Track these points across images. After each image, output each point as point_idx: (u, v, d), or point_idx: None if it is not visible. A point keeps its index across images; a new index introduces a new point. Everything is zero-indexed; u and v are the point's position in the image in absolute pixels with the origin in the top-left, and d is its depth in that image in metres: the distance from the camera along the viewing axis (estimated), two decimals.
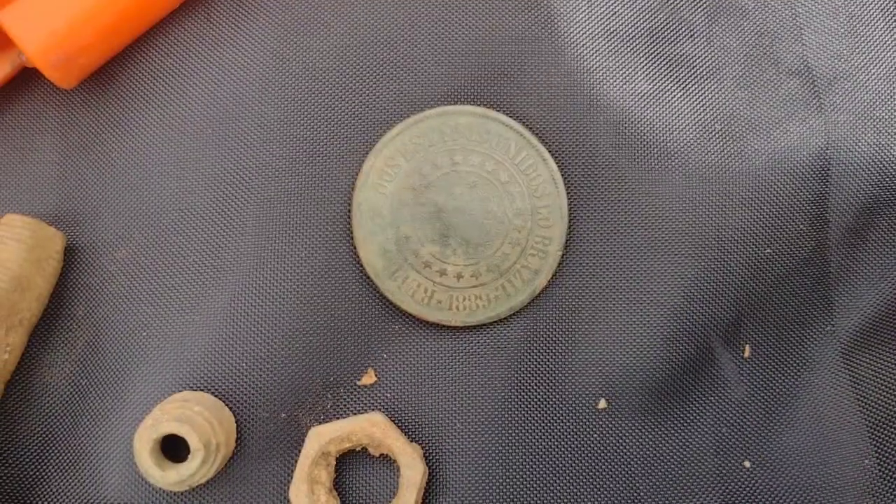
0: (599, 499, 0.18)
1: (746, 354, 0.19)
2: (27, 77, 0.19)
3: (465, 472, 0.18)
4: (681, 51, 0.19)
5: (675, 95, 0.19)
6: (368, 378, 0.19)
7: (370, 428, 0.18)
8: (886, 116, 0.19)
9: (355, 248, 0.19)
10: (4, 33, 0.18)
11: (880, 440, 0.19)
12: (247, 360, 0.18)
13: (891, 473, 0.18)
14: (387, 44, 0.19)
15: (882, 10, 0.20)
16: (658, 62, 0.19)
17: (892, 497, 0.18)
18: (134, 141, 0.19)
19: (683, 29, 0.20)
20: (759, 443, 0.19)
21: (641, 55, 0.19)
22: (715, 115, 0.19)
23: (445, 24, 0.19)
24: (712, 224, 0.19)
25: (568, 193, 0.19)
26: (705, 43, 0.20)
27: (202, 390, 0.18)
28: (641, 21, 0.19)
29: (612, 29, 0.19)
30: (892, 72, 0.20)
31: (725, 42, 0.20)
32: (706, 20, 0.20)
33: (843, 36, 0.20)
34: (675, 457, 0.19)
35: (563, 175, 0.19)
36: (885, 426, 0.19)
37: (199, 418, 0.17)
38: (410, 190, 0.18)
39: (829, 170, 0.19)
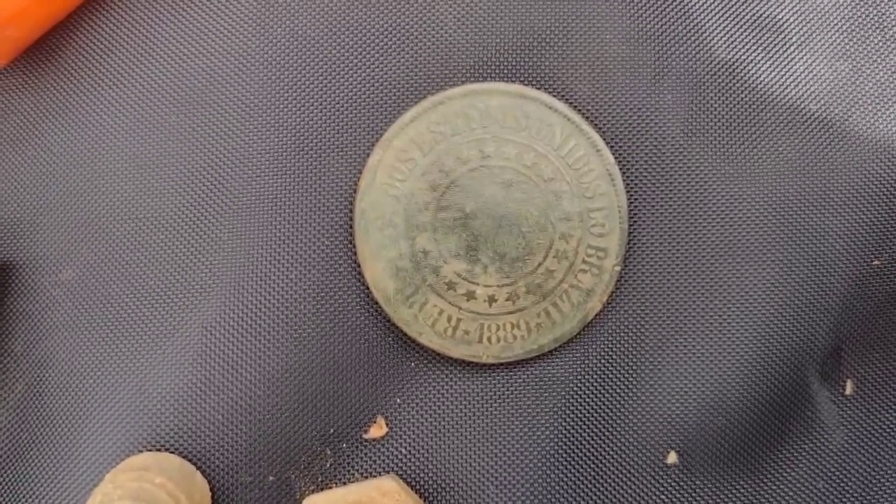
0: None
1: (848, 392, 0.15)
2: None
3: None
4: (767, 11, 0.15)
5: (760, 67, 0.15)
6: (377, 430, 0.15)
7: (380, 498, 0.14)
8: None
9: (359, 265, 0.15)
10: None
11: None
12: (224, 409, 0.14)
13: None
14: (398, 7, 0.15)
15: None
16: (740, 25, 0.15)
17: None
18: (81, 132, 0.15)
19: None
20: (862, 499, 0.15)
21: (720, 16, 0.15)
22: (809, 91, 0.15)
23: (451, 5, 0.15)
24: (807, 229, 0.15)
25: (627, 192, 0.15)
26: (799, 3, 0.16)
27: (167, 451, 0.14)
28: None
29: None
30: None
31: (821, 2, 0.16)
32: None
33: None
34: None
35: (620, 169, 0.15)
36: None
37: (162, 493, 0.13)
38: (429, 191, 0.15)
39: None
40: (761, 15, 0.16)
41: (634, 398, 0.15)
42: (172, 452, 0.14)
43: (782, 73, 0.15)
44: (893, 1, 0.16)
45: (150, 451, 0.14)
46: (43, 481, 0.15)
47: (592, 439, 0.15)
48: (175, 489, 0.13)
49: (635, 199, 0.15)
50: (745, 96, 0.15)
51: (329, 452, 0.15)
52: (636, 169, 0.15)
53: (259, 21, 0.15)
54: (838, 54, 0.16)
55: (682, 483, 0.15)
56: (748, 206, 0.15)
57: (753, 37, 0.15)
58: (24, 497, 0.15)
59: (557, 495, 0.15)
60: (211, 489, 0.14)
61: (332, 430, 0.15)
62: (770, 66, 0.15)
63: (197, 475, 0.14)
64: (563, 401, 0.15)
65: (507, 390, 0.15)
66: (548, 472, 0.15)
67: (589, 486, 0.15)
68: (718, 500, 0.15)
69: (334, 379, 0.15)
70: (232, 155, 0.15)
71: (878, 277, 0.15)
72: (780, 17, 0.16)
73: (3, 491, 0.15)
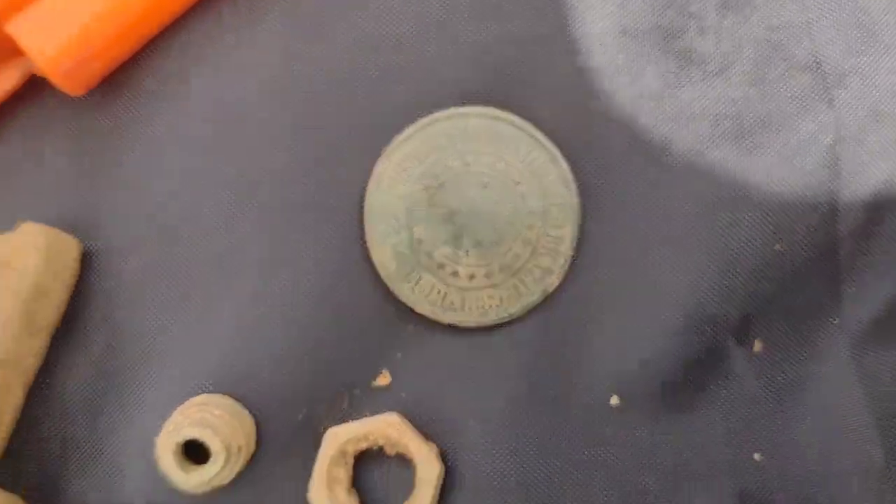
0: (611, 492, 0.19)
1: (756, 349, 0.20)
2: (37, 83, 0.19)
3: (480, 469, 0.19)
4: (692, 46, 0.19)
5: (686, 93, 0.19)
6: (383, 379, 0.19)
7: (386, 428, 0.18)
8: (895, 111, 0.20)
9: (368, 251, 0.19)
10: (13, 42, 0.18)
11: (887, 430, 0.19)
12: (263, 363, 0.19)
13: None
14: (395, 46, 0.19)
15: (892, 1, 0.20)
16: (669, 59, 0.19)
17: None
18: (143, 146, 0.19)
19: (694, 24, 0.19)
20: (769, 436, 0.19)
21: (653, 52, 0.19)
22: (726, 112, 0.19)
23: (454, 26, 0.19)
24: (723, 221, 0.19)
25: (579, 193, 0.19)
26: (715, 39, 0.19)
27: (222, 393, 0.18)
28: (652, 17, 0.19)
29: (623, 26, 0.19)
30: None
31: (736, 37, 0.20)
32: (716, 15, 0.20)
33: (853, 28, 0.20)
34: (685, 450, 0.19)
35: (574, 175, 0.19)
36: (892, 416, 0.19)
37: (220, 422, 0.17)
38: (423, 192, 0.19)
39: (839, 166, 0.19)
40: (687, 50, 0.19)
41: (584, 353, 0.19)
42: (225, 395, 0.18)
43: (703, 97, 0.19)
44: (797, 37, 0.20)
45: (207, 393, 0.18)
46: (119, 421, 0.19)
47: (551, 386, 0.19)
48: (230, 419, 0.17)
49: (586, 199, 0.19)
50: (674, 116, 0.19)
51: (346, 396, 0.19)
52: (587, 175, 0.19)
53: (285, 60, 0.19)
54: (749, 81, 0.19)
55: (622, 420, 0.19)
56: (676, 203, 0.19)
57: (680, 69, 0.19)
58: (104, 434, 0.19)
59: (524, 427, 0.19)
60: (255, 424, 0.18)
61: (347, 380, 0.19)
62: (693, 93, 0.19)
63: (244, 412, 0.18)
64: (528, 356, 0.19)
65: (484, 348, 0.19)
66: (516, 410, 0.19)
67: (548, 421, 0.19)
68: (651, 434, 0.19)
69: (349, 339, 0.19)
70: (264, 165, 0.19)
71: (779, 258, 0.19)
72: (702, 51, 0.19)
73: (86, 430, 0.19)
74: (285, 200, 0.19)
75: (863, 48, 0.20)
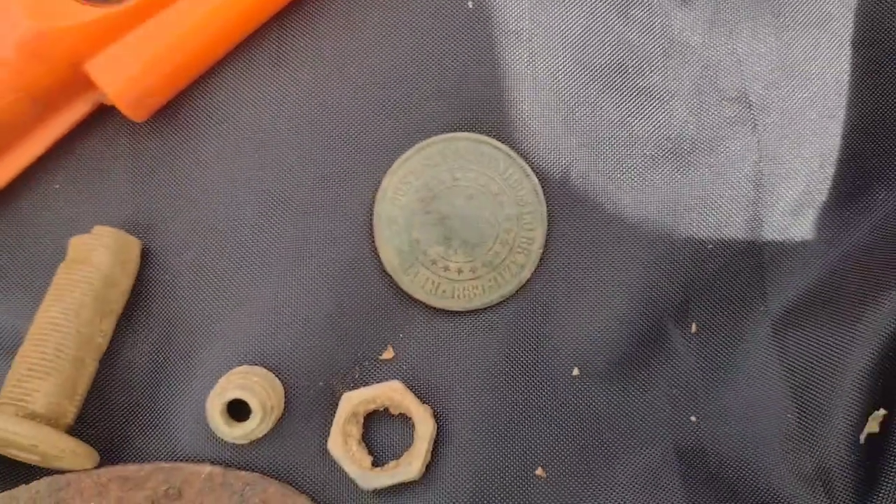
0: (574, 445, 0.23)
1: (693, 331, 0.24)
2: (105, 111, 0.24)
3: (466, 427, 0.23)
4: (640, 82, 0.24)
5: (636, 119, 0.23)
6: (388, 354, 0.23)
7: (390, 393, 0.22)
8: (808, 134, 0.24)
9: (376, 249, 0.23)
10: (88, 78, 0.22)
11: (800, 399, 0.23)
12: (290, 340, 0.23)
13: (807, 426, 0.23)
14: (398, 85, 0.23)
15: (805, 46, 0.24)
16: (623, 91, 0.23)
17: (808, 444, 0.23)
18: (192, 164, 0.24)
19: (644, 63, 0.24)
20: (703, 402, 0.24)
21: (608, 86, 0.23)
22: (668, 135, 0.24)
23: (444, 68, 0.23)
24: (665, 225, 0.23)
25: (547, 202, 0.23)
26: (661, 75, 0.24)
27: (257, 365, 0.23)
28: (608, 56, 0.24)
29: (583, 62, 0.23)
30: (813, 97, 0.24)
31: (678, 74, 0.24)
32: (662, 55, 0.24)
33: (775, 68, 0.24)
34: (635, 413, 0.23)
35: (543, 187, 0.23)
36: (804, 388, 0.23)
37: (257, 387, 0.21)
38: (420, 202, 0.23)
39: (761, 179, 0.24)
40: (637, 84, 0.24)
41: (551, 334, 0.23)
42: (260, 366, 0.22)
43: (649, 124, 0.23)
44: (728, 74, 0.24)
45: (247, 364, 0.22)
46: (174, 388, 0.23)
47: (523, 359, 0.23)
48: (265, 385, 0.22)
49: (552, 207, 0.23)
50: (625, 140, 0.23)
51: (357, 368, 0.23)
52: (553, 187, 0.23)
53: (308, 95, 0.23)
54: (688, 110, 0.24)
55: (582, 388, 0.23)
56: (627, 211, 0.23)
57: (631, 99, 0.23)
58: (162, 399, 0.23)
59: (501, 393, 0.23)
60: (284, 389, 0.23)
61: (359, 354, 0.23)
62: (642, 120, 0.23)
63: (276, 380, 0.22)
64: (505, 335, 0.23)
65: (470, 328, 0.23)
66: (495, 380, 0.23)
67: (521, 387, 0.23)
68: (607, 399, 0.23)
69: (360, 321, 0.23)
70: (293, 180, 0.23)
71: (711, 256, 0.23)
72: (649, 85, 0.24)
73: (147, 397, 0.23)
74: (309, 208, 0.23)
75: (781, 83, 0.24)
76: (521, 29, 0.23)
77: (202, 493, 0.22)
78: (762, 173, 0.24)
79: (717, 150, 0.24)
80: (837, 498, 0.22)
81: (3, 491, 0.22)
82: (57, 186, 0.24)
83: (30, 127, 0.23)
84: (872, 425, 0.22)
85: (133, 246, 0.23)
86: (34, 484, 0.22)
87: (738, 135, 0.24)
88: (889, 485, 0.22)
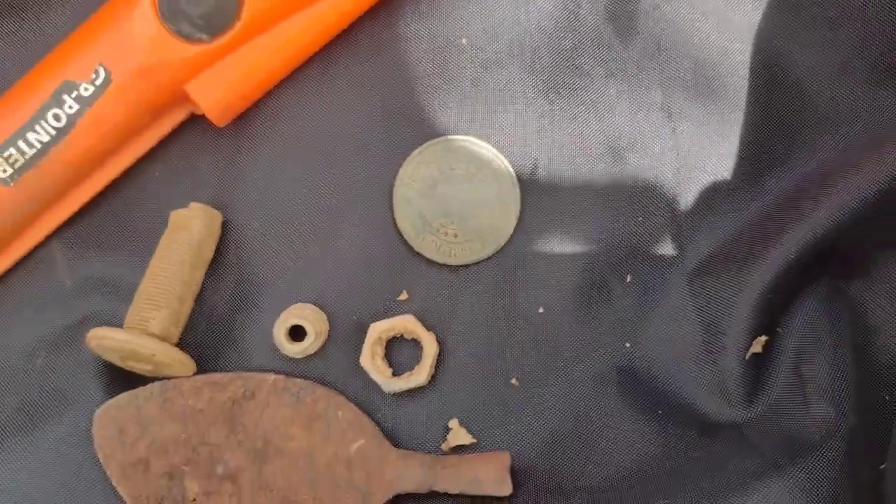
0: (539, 363, 0.31)
1: (628, 280, 0.32)
2: (195, 117, 0.32)
3: (460, 348, 0.31)
4: (588, 97, 0.32)
5: (586, 126, 0.31)
6: (403, 296, 0.31)
7: (405, 323, 0.30)
8: (715, 137, 0.32)
9: (395, 221, 0.31)
10: (187, 95, 0.31)
11: (705, 330, 0.31)
12: (333, 286, 0.31)
13: (710, 349, 0.30)
14: (411, 101, 0.31)
15: (713, 70, 0.32)
16: (575, 105, 0.32)
17: (710, 363, 0.31)
18: (262, 159, 0.31)
19: (588, 83, 0.32)
20: (635, 332, 0.31)
21: (565, 100, 0.31)
22: (610, 136, 0.31)
23: (444, 89, 0.31)
24: (608, 205, 0.31)
25: (521, 187, 0.31)
26: (603, 91, 0.32)
27: (309, 303, 0.31)
28: (565, 79, 0.32)
29: (547, 86, 0.31)
30: (720, 108, 0.32)
31: (616, 91, 0.32)
32: (604, 76, 0.32)
33: (692, 84, 0.32)
34: (584, 340, 0.31)
35: (517, 175, 0.31)
36: (708, 322, 0.31)
37: (310, 317, 0.30)
38: (427, 186, 0.31)
39: (679, 171, 0.32)
40: (587, 98, 0.32)
41: (522, 282, 0.31)
42: (312, 304, 0.31)
43: (597, 129, 0.31)
44: (654, 89, 0.32)
45: (302, 303, 0.31)
46: (247, 321, 0.31)
47: (502, 300, 0.31)
48: (317, 317, 0.30)
49: (524, 190, 0.31)
50: (578, 140, 0.31)
51: (381, 307, 0.31)
52: (525, 175, 0.31)
53: (348, 110, 0.31)
54: (625, 118, 0.32)
55: (547, 322, 0.31)
56: (580, 194, 0.31)
57: (584, 110, 0.31)
58: (238, 329, 0.31)
59: (488, 326, 0.31)
60: (329, 321, 0.31)
61: (382, 297, 0.31)
62: (590, 125, 0.31)
63: (323, 314, 0.31)
64: (489, 284, 0.31)
65: (464, 279, 0.31)
66: (482, 316, 0.31)
67: (501, 322, 0.31)
68: (564, 330, 0.31)
69: (384, 274, 0.31)
70: (338, 170, 0.31)
71: (641, 227, 0.31)
72: (597, 99, 0.32)
73: (226, 328, 0.31)
74: (348, 190, 0.31)
75: (696, 96, 0.32)
76: (501, 60, 0.31)
77: (269, 395, 0.30)
78: (680, 165, 0.32)
79: (647, 149, 0.32)
80: (733, 403, 0.30)
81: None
82: (157, 174, 0.31)
83: (141, 130, 0.31)
84: (756, 347, 0.30)
85: (216, 217, 0.31)
86: (149, 385, 0.30)
87: (661, 137, 0.32)
88: (769, 390, 0.30)
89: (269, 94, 0.31)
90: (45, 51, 0.30)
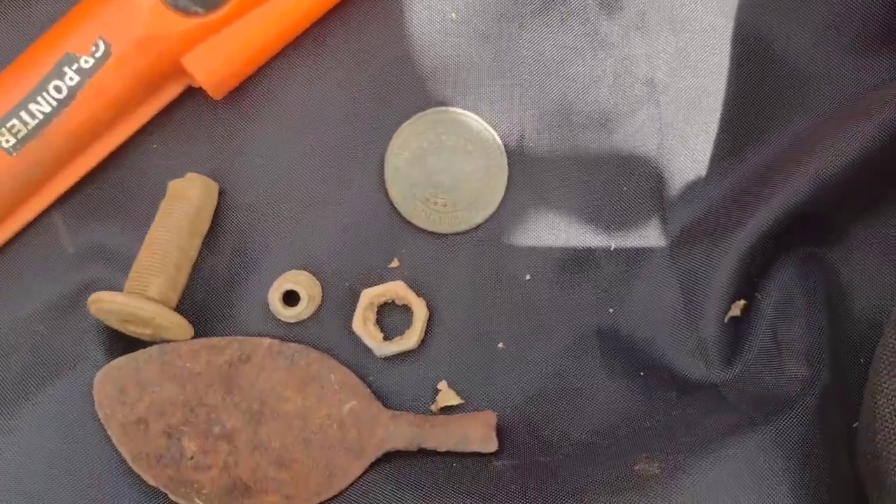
0: (525, 326, 0.32)
1: (612, 248, 0.33)
2: (191, 90, 0.33)
3: (449, 314, 0.32)
4: (573, 70, 0.33)
5: (571, 97, 0.32)
6: (395, 263, 0.32)
7: (396, 289, 0.31)
8: (697, 109, 0.33)
9: (386, 190, 0.32)
10: (183, 68, 0.32)
11: (685, 295, 0.32)
12: (326, 253, 0.32)
13: (690, 313, 0.32)
14: (403, 73, 0.32)
15: (696, 46, 0.33)
16: (561, 78, 0.32)
17: (690, 326, 0.32)
18: (254, 129, 0.32)
19: (577, 57, 0.33)
20: (618, 298, 0.32)
21: (551, 74, 0.32)
22: (596, 109, 0.32)
23: (434, 63, 0.32)
24: (592, 174, 0.32)
25: (508, 157, 0.32)
26: (591, 65, 0.33)
27: (303, 269, 0.32)
28: (553, 54, 0.33)
29: (534, 60, 0.32)
30: (701, 83, 0.33)
31: (603, 64, 0.33)
32: (590, 50, 0.33)
33: (674, 57, 0.33)
34: (569, 305, 0.32)
35: (505, 146, 0.32)
36: (688, 287, 0.32)
37: (304, 283, 0.31)
38: (417, 157, 0.32)
39: (662, 141, 0.33)
40: (573, 73, 0.33)
41: (510, 250, 0.32)
42: (305, 270, 0.32)
43: (582, 101, 0.32)
44: (641, 63, 0.33)
45: (296, 270, 0.32)
46: (243, 287, 0.32)
47: (490, 267, 0.32)
48: (310, 283, 0.31)
49: (511, 161, 0.32)
50: (563, 112, 0.32)
51: (373, 273, 0.32)
52: (512, 146, 0.32)
53: (342, 84, 0.32)
54: (610, 90, 0.33)
55: (532, 288, 0.32)
56: (564, 164, 0.32)
57: (564, 89, 0.32)
58: (235, 295, 0.32)
59: (476, 292, 0.32)
60: (322, 287, 0.32)
61: (374, 263, 0.32)
62: (576, 97, 0.32)
63: (316, 280, 0.32)
64: (477, 251, 0.32)
65: (452, 246, 0.32)
66: (470, 282, 0.32)
67: (489, 289, 0.32)
68: (549, 296, 0.32)
69: (376, 240, 0.32)
70: (332, 141, 0.32)
71: (625, 197, 0.32)
72: (583, 71, 0.33)
73: (224, 294, 0.32)
74: (340, 161, 0.32)
75: (678, 70, 0.33)
76: (490, 33, 0.32)
77: (265, 358, 0.31)
78: (663, 136, 0.33)
79: (630, 120, 0.32)
80: (712, 364, 0.32)
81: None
82: (155, 146, 0.32)
83: (139, 102, 0.32)
84: (735, 311, 0.32)
85: (213, 187, 0.32)
86: (149, 348, 0.31)
87: (645, 109, 0.33)
88: (747, 351, 0.31)
89: (263, 68, 0.32)
90: (40, 28, 0.31)
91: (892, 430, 0.26)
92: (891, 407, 0.27)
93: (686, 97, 0.33)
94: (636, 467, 0.27)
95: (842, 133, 0.31)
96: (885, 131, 0.30)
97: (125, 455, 0.30)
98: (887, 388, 0.27)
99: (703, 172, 0.33)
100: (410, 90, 0.32)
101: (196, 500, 0.29)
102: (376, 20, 0.32)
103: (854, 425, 0.30)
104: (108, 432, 0.30)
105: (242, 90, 0.32)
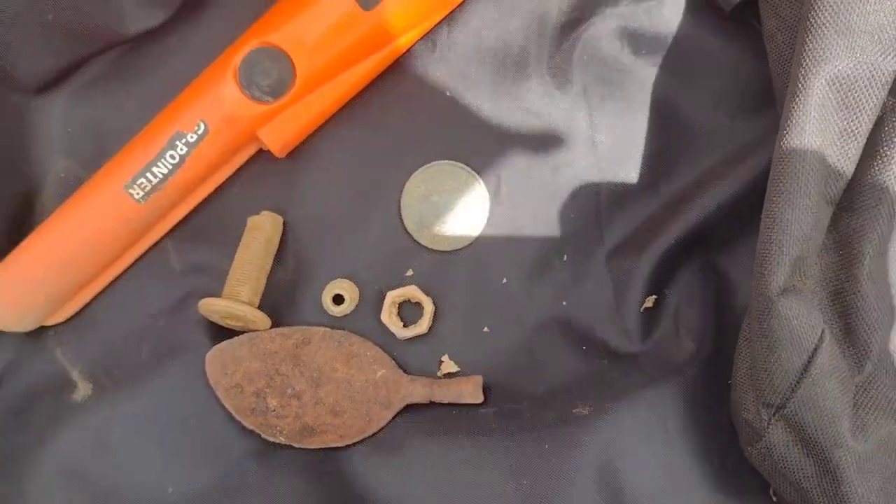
0: (503, 317, 0.45)
1: (564, 259, 0.46)
2: (263, 151, 0.45)
3: (449, 308, 0.45)
4: (536, 132, 0.45)
5: (534, 148, 0.45)
6: (410, 272, 0.45)
7: (411, 291, 0.44)
8: (627, 147, 0.45)
9: (402, 221, 0.45)
10: (258, 138, 0.44)
11: (616, 291, 0.45)
12: (360, 266, 0.44)
13: (617, 303, 0.45)
14: (412, 136, 0.45)
15: (628, 110, 0.45)
16: (523, 134, 0.45)
17: (618, 314, 0.45)
18: (310, 176, 0.45)
19: (532, 117, 0.45)
20: (569, 295, 0.45)
21: (518, 140, 0.45)
22: (549, 161, 0.45)
23: (434, 131, 0.45)
24: (551, 204, 0.45)
25: (489, 196, 0.45)
26: (546, 128, 0.45)
27: (345, 278, 0.45)
28: (514, 114, 0.45)
29: (508, 130, 0.45)
30: (630, 138, 0.45)
31: (556, 126, 0.45)
32: (547, 116, 0.45)
33: (608, 119, 0.45)
34: (535, 301, 0.45)
35: (486, 188, 0.45)
36: (618, 285, 0.45)
37: (347, 287, 0.44)
38: (423, 196, 0.45)
39: (601, 181, 0.45)
40: (538, 129, 0.45)
41: (490, 262, 0.44)
42: (348, 279, 0.45)
43: (539, 154, 0.45)
44: (581, 126, 0.46)
45: (341, 279, 0.45)
46: (302, 292, 0.45)
47: (476, 275, 0.45)
48: (351, 288, 0.44)
49: (492, 198, 0.45)
50: (526, 162, 0.45)
51: (394, 281, 0.45)
52: (491, 188, 0.45)
53: (370, 139, 0.45)
54: (560, 145, 0.45)
55: (507, 290, 0.45)
56: (531, 199, 0.45)
57: (533, 144, 0.45)
58: (298, 298, 0.45)
59: (466, 290, 0.45)
60: (358, 289, 0.45)
61: (395, 273, 0.45)
62: (536, 153, 0.45)
63: (354, 285, 0.45)
64: (468, 264, 0.45)
65: (450, 260, 0.44)
66: (462, 285, 0.45)
67: (476, 290, 0.45)
68: (521, 294, 0.45)
69: (395, 256, 0.44)
70: (365, 188, 0.45)
71: (573, 219, 0.45)
72: (542, 131, 0.45)
73: (288, 298, 0.45)
74: (369, 200, 0.43)
75: (611, 130, 0.45)
76: (475, 107, 0.45)
77: (320, 341, 0.44)
78: (601, 177, 0.45)
79: (577, 166, 0.45)
80: (632, 341, 0.43)
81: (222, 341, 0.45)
82: (236, 191, 0.45)
83: (226, 162, 0.45)
84: (648, 303, 0.44)
85: (279, 220, 0.45)
86: (240, 336, 0.44)
87: (587, 158, 0.45)
88: (656, 332, 0.44)
89: (313, 134, 0.45)
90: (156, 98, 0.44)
91: (744, 383, 0.40)
92: (744, 367, 0.40)
93: (617, 149, 0.45)
94: (574, 410, 0.40)
95: (727, 175, 0.43)
96: (755, 173, 0.43)
97: (230, 409, 0.43)
98: (743, 354, 0.40)
99: (629, 203, 0.45)
100: (418, 149, 0.44)
101: (279, 437, 0.43)
102: (391, 101, 0.45)
103: (729, 382, 0.43)
104: (217, 394, 0.43)
105: (297, 150, 0.45)
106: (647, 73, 0.43)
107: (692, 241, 0.43)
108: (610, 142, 0.44)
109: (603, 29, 0.43)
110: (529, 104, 0.44)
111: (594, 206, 0.45)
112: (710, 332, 0.43)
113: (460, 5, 0.44)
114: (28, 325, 0.43)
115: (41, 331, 0.43)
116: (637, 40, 0.43)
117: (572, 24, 0.43)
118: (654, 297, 0.44)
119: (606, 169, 0.44)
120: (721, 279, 0.44)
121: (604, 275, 0.44)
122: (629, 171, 0.44)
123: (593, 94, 0.44)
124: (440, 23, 0.42)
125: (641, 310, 0.44)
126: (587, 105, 0.45)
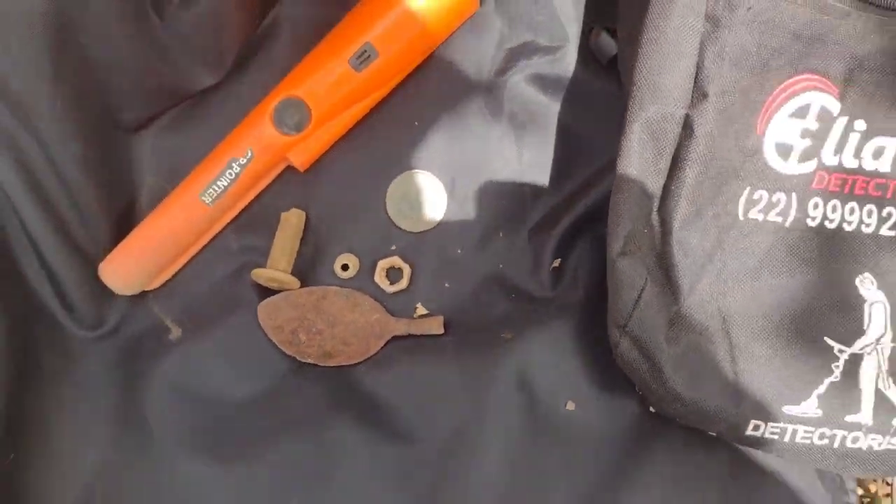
0: (457, 273, 0.65)
1: (501, 234, 0.66)
2: (289, 166, 0.66)
3: (420, 271, 0.65)
4: (479, 150, 0.65)
5: (481, 162, 0.65)
6: (394, 248, 0.63)
7: (395, 260, 0.64)
8: (545, 159, 0.65)
9: (387, 212, 0.64)
10: (287, 158, 0.64)
11: (534, 256, 0.65)
12: (359, 245, 0.65)
13: (537, 266, 0.65)
14: (395, 157, 0.65)
15: (542, 131, 0.65)
16: (474, 151, 0.65)
17: (537, 273, 0.65)
18: (328, 180, 0.65)
19: (481, 143, 0.65)
20: (506, 259, 0.65)
21: (471, 150, 0.65)
22: (487, 167, 0.65)
23: (408, 150, 0.65)
24: (486, 198, 0.65)
25: (447, 195, 0.65)
26: (484, 146, 0.65)
27: (350, 253, 0.66)
28: (468, 142, 0.65)
29: (465, 163, 0.65)
30: (545, 150, 0.66)
31: (492, 144, 0.65)
32: (484, 137, 0.65)
33: (530, 137, 0.65)
34: (482, 263, 0.65)
35: (445, 188, 0.65)
36: (536, 253, 0.65)
37: (352, 259, 0.65)
38: (402, 195, 0.65)
39: (523, 178, 0.65)
40: (479, 133, 0.65)
41: (446, 239, 0.65)
42: (351, 253, 0.66)
43: (484, 165, 0.65)
44: (509, 152, 0.66)
45: (346, 253, 0.66)
46: (319, 265, 0.65)
47: (437, 247, 0.65)
48: (355, 260, 0.65)
49: (449, 196, 0.65)
50: (480, 172, 0.65)
51: (382, 253, 0.65)
52: (448, 188, 0.65)
53: (375, 151, 0.65)
54: (502, 162, 0.66)
55: (462, 257, 0.66)
56: (476, 202, 0.65)
57: (485, 167, 0.65)
58: (316, 268, 0.66)
59: (430, 259, 0.65)
60: (358, 260, 0.66)
61: (383, 249, 0.65)
62: (484, 164, 0.65)
63: (357, 258, 0.65)
64: (431, 239, 0.65)
65: (420, 239, 0.65)
66: (427, 254, 0.65)
67: (438, 257, 0.65)
68: (472, 258, 0.66)
69: (383, 236, 0.65)
70: (363, 193, 0.65)
71: (508, 208, 0.66)
72: (478, 149, 0.65)
73: (311, 268, 0.66)
74: (365, 198, 0.62)
75: (533, 145, 0.65)
76: (441, 133, 0.65)
77: (334, 296, 0.64)
78: (524, 175, 0.65)
79: (508, 169, 0.65)
80: (546, 290, 0.61)
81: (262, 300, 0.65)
82: (272, 194, 0.66)
83: (265, 175, 0.65)
84: (555, 263, 0.65)
85: (303, 215, 0.64)
86: (280, 294, 0.65)
87: (516, 164, 0.65)
88: (561, 284, 0.63)
89: (325, 153, 0.66)
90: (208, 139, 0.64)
91: (609, 314, 0.60)
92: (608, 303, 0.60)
93: (536, 159, 0.63)
94: (502, 335, 0.61)
95: (607, 177, 0.63)
96: None
97: (275, 342, 0.64)
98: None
99: (544, 196, 0.64)
100: (397, 162, 0.59)
101: (308, 359, 0.64)
102: (381, 127, 0.64)
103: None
104: (266, 333, 0.64)
105: (314, 165, 0.65)
106: (554, 106, 0.63)
107: (585, 221, 0.58)
108: (530, 154, 0.62)
109: (523, 76, 0.62)
110: (474, 129, 0.62)
111: (520, 198, 0.62)
112: (595, 283, 0.63)
113: (424, 62, 0.64)
114: (135, 290, 0.62)
115: (143, 294, 0.63)
116: (546, 83, 0.62)
117: (501, 72, 0.63)
118: (559, 259, 0.64)
119: (528, 173, 0.61)
120: (603, 247, 0.65)
121: (527, 245, 0.62)
122: (544, 175, 0.63)
123: (518, 121, 0.64)
124: (411, 73, 0.62)
125: (550, 269, 0.64)
126: (514, 129, 0.64)
